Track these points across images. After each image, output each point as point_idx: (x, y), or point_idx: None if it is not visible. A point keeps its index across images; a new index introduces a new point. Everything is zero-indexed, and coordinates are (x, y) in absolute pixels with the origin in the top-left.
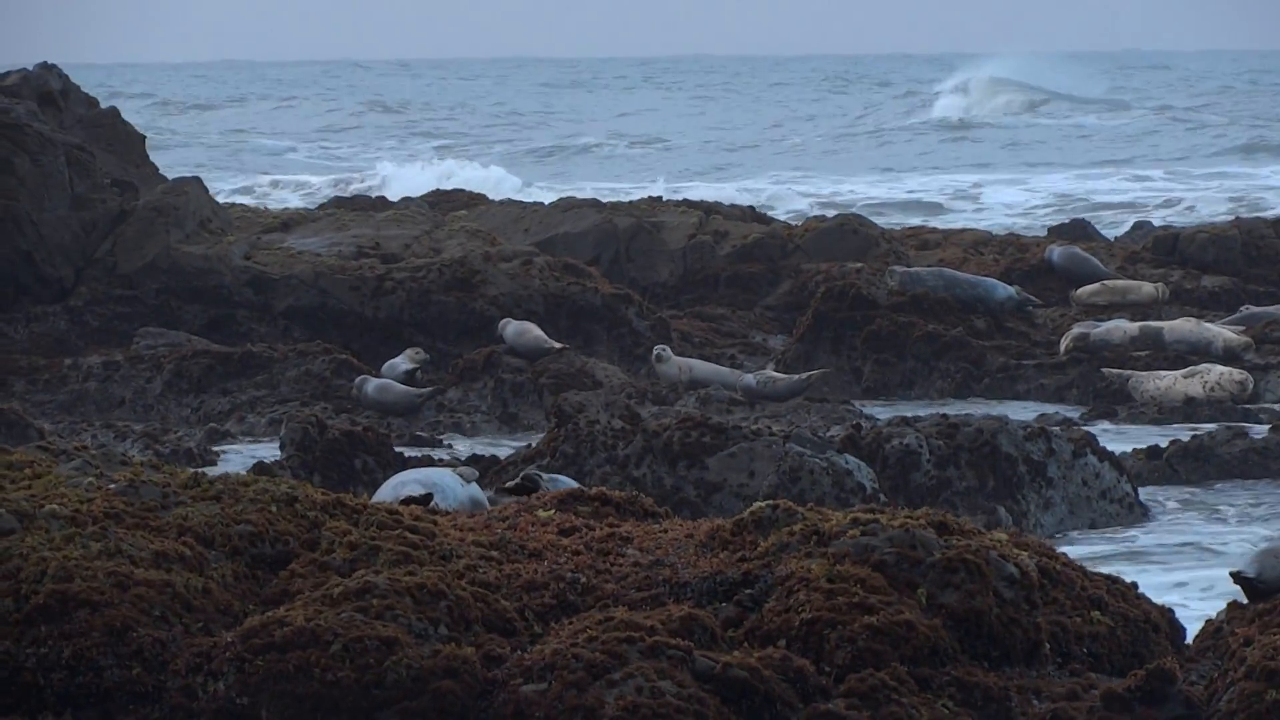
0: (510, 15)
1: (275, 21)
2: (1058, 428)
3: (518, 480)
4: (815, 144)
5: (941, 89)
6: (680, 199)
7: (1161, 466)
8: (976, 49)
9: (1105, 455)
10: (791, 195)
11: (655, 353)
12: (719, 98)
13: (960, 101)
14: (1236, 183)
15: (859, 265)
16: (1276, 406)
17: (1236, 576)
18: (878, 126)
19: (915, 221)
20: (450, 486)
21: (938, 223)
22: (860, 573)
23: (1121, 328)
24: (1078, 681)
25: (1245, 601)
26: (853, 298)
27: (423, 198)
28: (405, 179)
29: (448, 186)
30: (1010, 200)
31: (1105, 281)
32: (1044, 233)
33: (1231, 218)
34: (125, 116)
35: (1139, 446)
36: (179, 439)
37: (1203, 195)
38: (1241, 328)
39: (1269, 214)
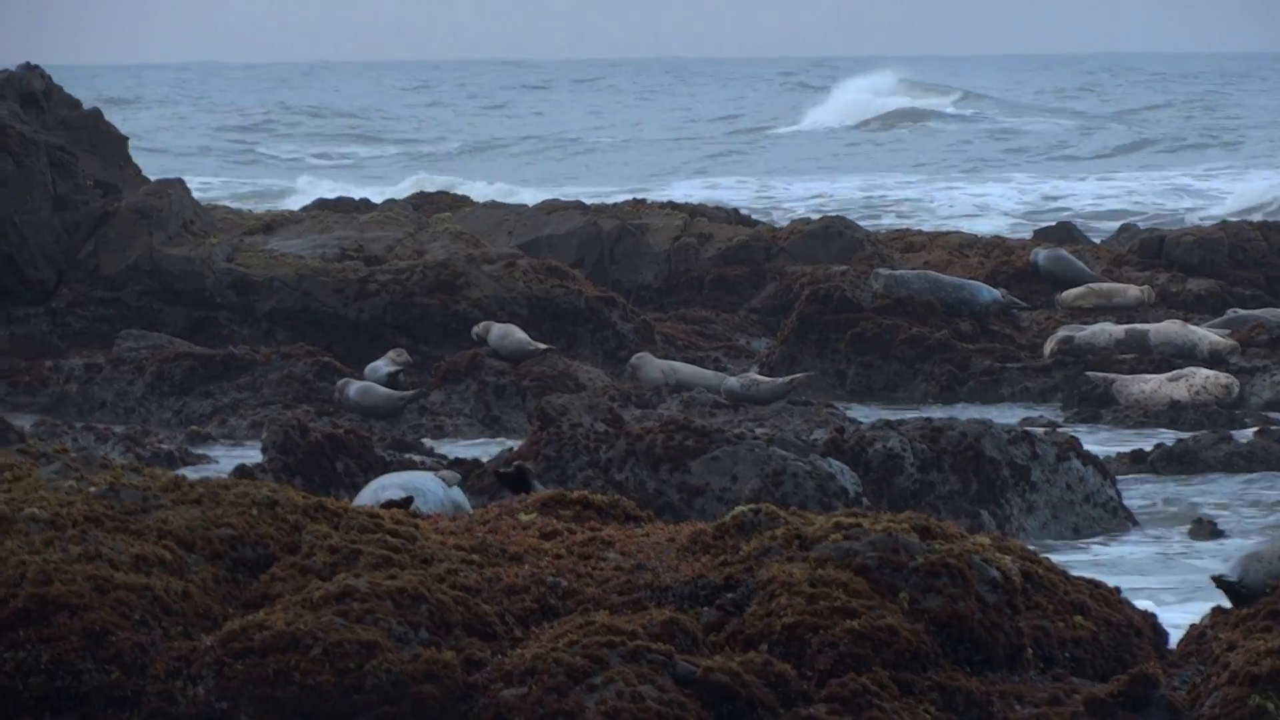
0: (485, 17)
1: (256, 23)
2: (1042, 431)
3: (511, 468)
4: (724, 143)
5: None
6: (666, 200)
7: (1146, 470)
8: (956, 51)
9: (1089, 459)
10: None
11: (631, 361)
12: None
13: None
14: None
15: (844, 268)
16: (1262, 410)
17: (1219, 581)
18: (757, 130)
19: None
20: (431, 490)
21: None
22: (842, 577)
23: (1107, 330)
24: (1060, 686)
25: (1228, 606)
26: (837, 300)
27: (406, 199)
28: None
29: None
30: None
31: (1091, 284)
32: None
33: (1217, 222)
34: None
35: (1123, 450)
36: (160, 442)
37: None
38: (1228, 331)
39: (1215, 213)
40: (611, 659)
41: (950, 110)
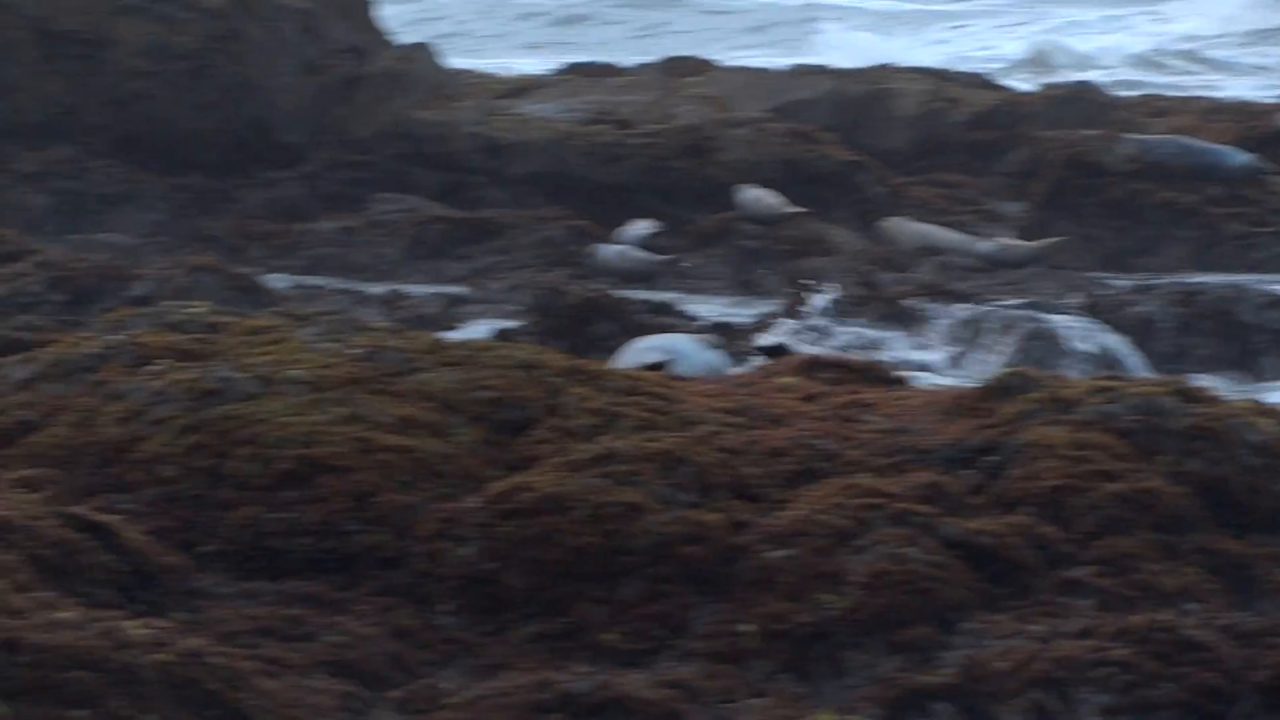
0: None
1: None
2: None
3: (771, 345)
4: None
5: None
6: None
7: None
8: None
9: None
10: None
11: (884, 224)
12: None
13: None
14: None
15: (1094, 133)
16: None
17: None
18: None
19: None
20: (690, 352)
21: None
22: (1104, 440)
23: None
24: None
25: None
26: (1087, 165)
27: (656, 63)
28: None
29: None
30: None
31: None
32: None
33: None
34: None
35: None
36: (417, 305)
37: None
38: None
39: None
40: (876, 521)
41: None
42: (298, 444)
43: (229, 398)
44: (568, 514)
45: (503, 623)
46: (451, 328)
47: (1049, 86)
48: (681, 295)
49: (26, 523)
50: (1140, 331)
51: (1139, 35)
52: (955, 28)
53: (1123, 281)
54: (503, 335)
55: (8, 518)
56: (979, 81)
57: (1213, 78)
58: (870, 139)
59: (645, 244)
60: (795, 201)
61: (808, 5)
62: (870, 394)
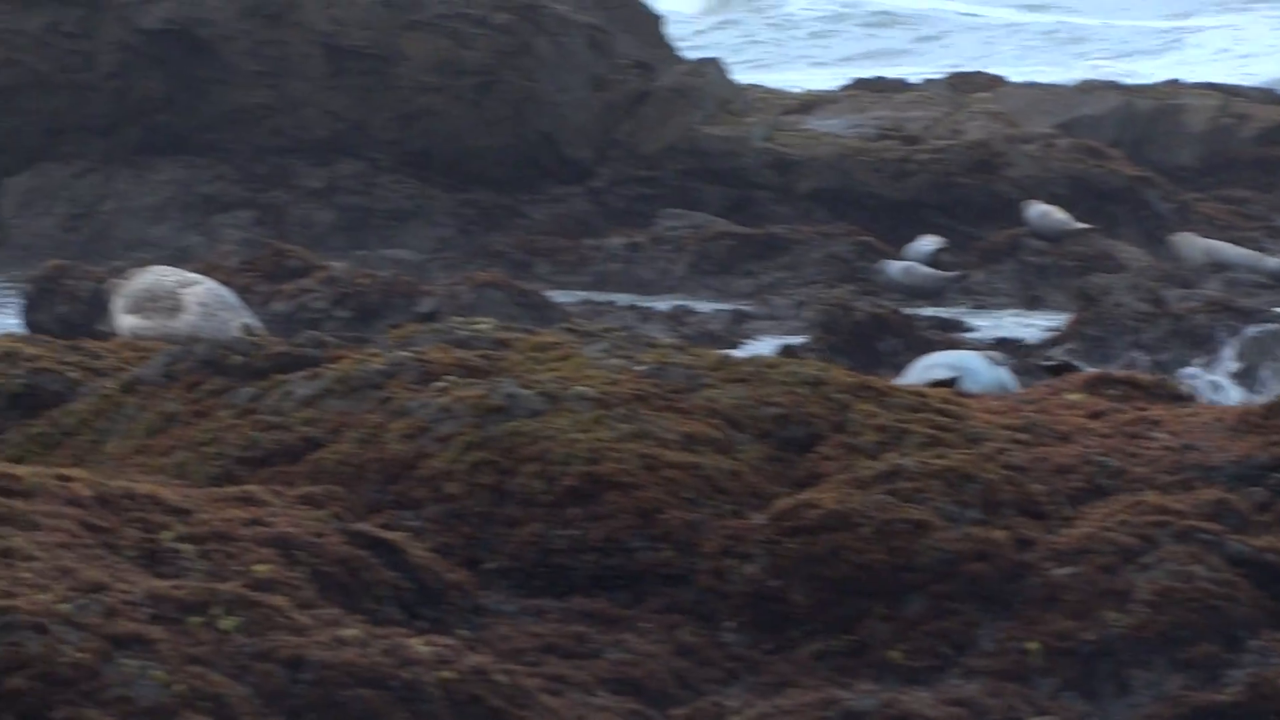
0: None
1: None
2: None
3: (1055, 363)
4: None
5: None
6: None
7: None
8: None
9: None
10: None
11: (1172, 240)
12: None
13: None
14: None
15: None
16: None
17: None
18: None
19: None
20: (978, 369)
21: None
22: None
23: None
24: None
25: None
26: None
27: (943, 80)
28: None
29: None
30: None
31: None
32: None
33: None
34: None
35: None
36: (703, 320)
37: None
38: None
39: None
40: (1162, 538)
41: None
42: (584, 461)
43: (515, 414)
44: (853, 531)
45: (787, 640)
46: (737, 344)
47: None
48: (968, 311)
49: (311, 539)
50: None
51: None
52: (1232, 30)
53: None
54: (788, 351)
55: (292, 534)
56: (1267, 97)
57: None
58: (1158, 155)
59: (932, 260)
60: (1082, 217)
61: (1059, 23)
62: (1157, 410)
